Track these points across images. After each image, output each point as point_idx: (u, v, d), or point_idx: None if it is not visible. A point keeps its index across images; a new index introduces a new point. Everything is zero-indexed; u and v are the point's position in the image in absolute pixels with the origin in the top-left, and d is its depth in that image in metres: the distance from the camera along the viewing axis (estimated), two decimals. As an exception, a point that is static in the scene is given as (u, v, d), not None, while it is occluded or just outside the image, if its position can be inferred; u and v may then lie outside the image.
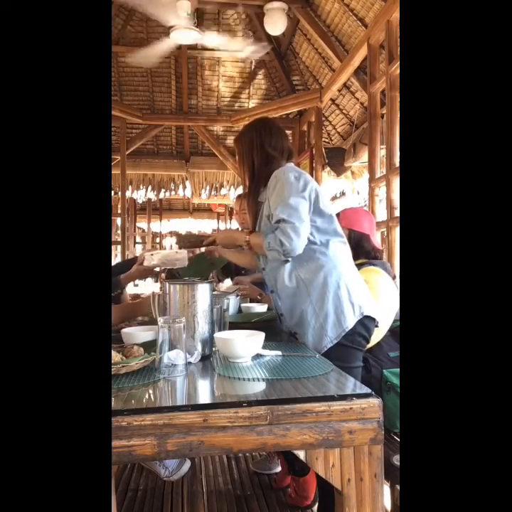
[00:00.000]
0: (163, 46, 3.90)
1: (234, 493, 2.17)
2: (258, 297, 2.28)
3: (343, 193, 5.70)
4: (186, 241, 1.94)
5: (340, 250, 1.57)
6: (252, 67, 5.54)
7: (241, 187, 6.33)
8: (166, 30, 3.89)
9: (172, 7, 3.41)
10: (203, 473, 2.36)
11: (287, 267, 1.55)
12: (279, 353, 1.32)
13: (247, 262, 1.90)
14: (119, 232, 6.18)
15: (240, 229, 2.81)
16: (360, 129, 4.37)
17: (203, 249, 1.95)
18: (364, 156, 3.98)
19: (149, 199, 7.78)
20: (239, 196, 3.06)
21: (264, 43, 3.96)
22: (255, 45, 4.03)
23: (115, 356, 1.18)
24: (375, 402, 0.97)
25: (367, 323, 1.54)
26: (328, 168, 4.85)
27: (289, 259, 1.52)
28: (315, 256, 1.53)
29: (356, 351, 1.54)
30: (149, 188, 6.54)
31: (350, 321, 1.49)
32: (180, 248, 1.96)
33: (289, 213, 1.47)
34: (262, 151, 1.66)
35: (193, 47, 5.01)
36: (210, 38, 3.91)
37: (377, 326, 1.62)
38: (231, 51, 4.69)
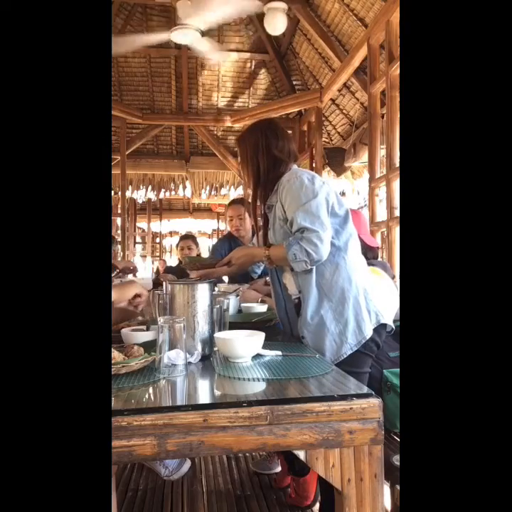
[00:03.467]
0: (141, 40, 3.90)
1: (234, 493, 2.17)
2: (263, 299, 2.26)
3: (343, 193, 5.71)
4: (196, 266, 1.84)
5: (357, 253, 1.54)
6: (252, 67, 5.54)
7: (241, 187, 6.33)
8: (166, 30, 3.90)
9: (154, 35, 3.44)
10: (203, 473, 2.36)
11: (306, 271, 1.50)
12: (279, 353, 1.32)
13: None
14: (119, 232, 6.18)
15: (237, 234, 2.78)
16: (360, 129, 4.37)
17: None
18: (364, 156, 3.98)
19: (149, 199, 7.80)
20: (234, 201, 2.96)
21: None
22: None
23: (117, 356, 1.18)
24: (375, 402, 0.97)
25: (380, 329, 1.52)
26: (328, 168, 4.86)
27: (314, 267, 1.48)
28: (334, 260, 1.49)
29: (367, 357, 1.51)
30: (149, 188, 6.55)
31: (369, 329, 1.47)
32: (189, 271, 1.88)
33: (311, 220, 1.43)
34: (269, 154, 1.60)
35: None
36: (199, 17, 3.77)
37: (389, 333, 1.59)
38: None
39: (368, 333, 1.46)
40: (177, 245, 3.97)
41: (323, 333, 1.47)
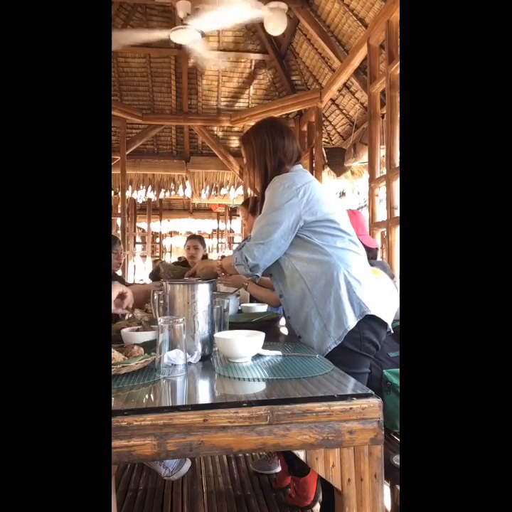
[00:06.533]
0: (141, 36, 3.92)
1: (234, 493, 2.17)
2: (244, 284, 2.25)
3: (343, 193, 5.70)
4: (171, 273, 2.01)
5: (344, 250, 1.54)
6: (252, 67, 5.54)
7: (241, 187, 6.33)
8: (166, 30, 3.90)
9: (152, 31, 3.46)
10: (203, 473, 2.36)
11: (291, 271, 1.54)
12: (279, 353, 1.32)
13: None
14: (119, 232, 6.18)
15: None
16: (360, 129, 4.37)
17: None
18: (364, 156, 3.98)
19: (149, 199, 7.79)
20: (242, 204, 3.06)
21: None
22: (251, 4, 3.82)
23: (117, 356, 1.18)
24: (375, 402, 0.97)
25: (375, 327, 1.51)
26: (328, 168, 4.86)
27: (258, 274, 1.55)
28: (316, 258, 1.51)
29: (363, 357, 1.51)
30: (149, 188, 6.54)
31: (351, 321, 1.46)
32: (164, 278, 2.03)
33: (260, 230, 1.52)
34: (275, 156, 1.62)
35: (193, 47, 5.01)
36: (209, 19, 3.79)
37: (389, 333, 1.59)
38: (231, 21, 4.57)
39: (350, 324, 1.46)
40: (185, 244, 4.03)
41: (310, 329, 1.50)
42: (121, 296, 1.48)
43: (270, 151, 1.62)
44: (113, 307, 1.46)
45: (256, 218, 1.60)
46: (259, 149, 1.64)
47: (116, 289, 1.47)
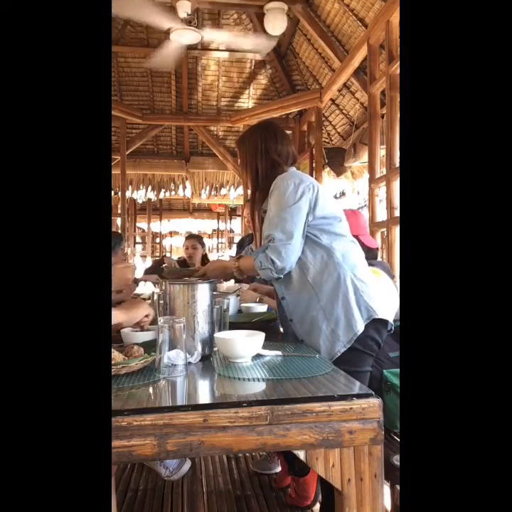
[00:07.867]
0: (175, 47, 3.92)
1: (234, 493, 2.17)
2: (262, 298, 2.26)
3: (343, 193, 5.70)
4: (174, 276, 1.94)
5: (349, 251, 1.54)
6: (252, 67, 5.54)
7: (241, 187, 6.33)
8: (166, 31, 3.90)
9: (165, 12, 3.42)
10: (203, 473, 2.36)
11: (297, 273, 1.52)
12: (279, 353, 1.33)
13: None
14: (119, 232, 6.18)
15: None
16: (360, 129, 4.37)
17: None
18: (364, 156, 3.98)
19: (149, 199, 7.79)
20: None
21: (268, 38, 3.85)
22: (259, 39, 3.94)
23: (117, 356, 1.18)
24: (375, 402, 0.97)
25: (379, 327, 1.51)
26: (328, 168, 4.86)
27: (281, 276, 1.52)
28: (323, 259, 1.50)
29: (367, 356, 1.51)
30: (149, 188, 6.55)
31: (360, 325, 1.46)
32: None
33: (281, 229, 1.48)
34: (267, 158, 1.62)
35: (193, 47, 5.01)
36: (216, 35, 3.88)
37: (390, 331, 1.60)
38: (237, 50, 4.67)
39: (359, 328, 1.46)
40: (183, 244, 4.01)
41: (316, 333, 1.48)
42: (147, 316, 1.52)
43: (262, 153, 1.63)
44: (134, 322, 1.49)
45: (268, 219, 1.56)
46: (251, 151, 1.65)
47: (146, 310, 1.51)
